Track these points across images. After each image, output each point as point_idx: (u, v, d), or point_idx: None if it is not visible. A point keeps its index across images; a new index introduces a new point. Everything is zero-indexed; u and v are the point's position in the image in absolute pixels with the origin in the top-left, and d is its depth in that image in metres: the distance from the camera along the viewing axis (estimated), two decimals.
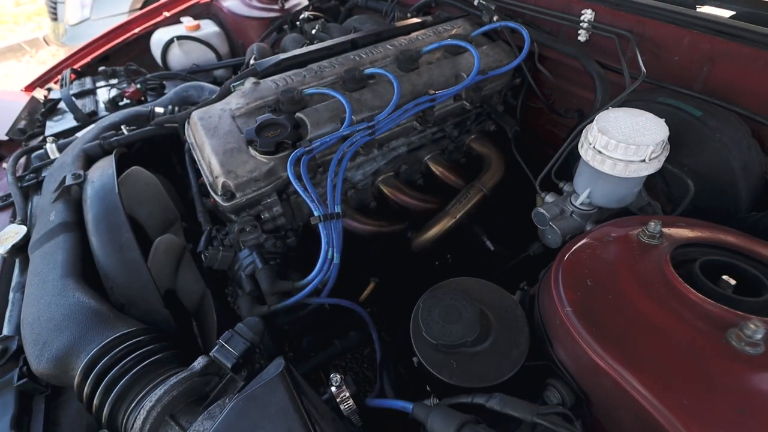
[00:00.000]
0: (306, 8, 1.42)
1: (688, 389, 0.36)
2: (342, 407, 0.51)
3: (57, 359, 0.54)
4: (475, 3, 1.04)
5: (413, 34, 0.97)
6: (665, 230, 0.50)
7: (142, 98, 1.19)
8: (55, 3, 2.92)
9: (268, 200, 0.74)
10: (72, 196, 0.77)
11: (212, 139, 0.72)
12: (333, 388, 0.51)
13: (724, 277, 0.43)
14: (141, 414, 0.46)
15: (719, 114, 0.66)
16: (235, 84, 0.85)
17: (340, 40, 0.94)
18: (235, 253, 0.71)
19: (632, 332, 0.41)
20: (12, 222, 0.80)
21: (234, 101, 0.79)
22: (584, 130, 0.65)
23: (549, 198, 0.73)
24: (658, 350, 0.38)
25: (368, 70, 0.79)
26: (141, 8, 2.82)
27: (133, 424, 0.46)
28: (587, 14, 0.86)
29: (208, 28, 1.43)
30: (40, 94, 1.36)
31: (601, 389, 0.40)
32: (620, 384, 0.38)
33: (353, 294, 0.81)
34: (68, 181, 0.77)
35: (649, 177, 0.64)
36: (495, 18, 0.95)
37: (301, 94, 0.76)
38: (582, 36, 0.88)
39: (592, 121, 0.64)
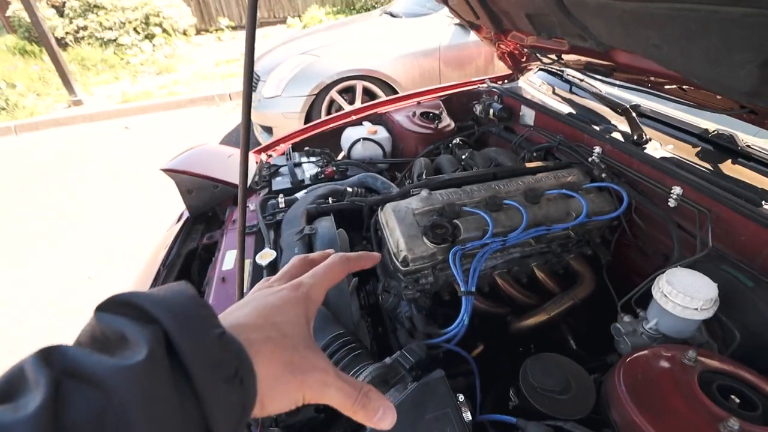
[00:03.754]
0: (454, 133, 1.93)
1: None
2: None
3: None
4: (590, 159, 1.40)
5: (538, 174, 1.36)
6: (702, 359, 0.77)
7: (335, 177, 1.73)
8: (258, 79, 3.99)
9: (425, 272, 1.13)
10: (306, 240, 1.26)
11: (401, 226, 1.15)
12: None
13: (732, 396, 0.69)
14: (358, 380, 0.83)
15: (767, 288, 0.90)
16: (413, 190, 1.30)
17: (485, 172, 1.37)
18: (399, 300, 1.11)
19: (661, 409, 0.69)
20: (266, 247, 1.30)
21: (414, 203, 1.23)
22: (658, 277, 0.94)
23: (626, 318, 1.01)
24: (675, 423, 0.66)
25: (506, 201, 1.19)
26: (317, 93, 3.72)
27: None
28: (677, 189, 1.16)
29: (382, 133, 1.98)
30: (264, 156, 2.01)
31: None
32: None
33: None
34: (306, 231, 1.26)
35: (710, 321, 0.90)
36: (603, 175, 1.30)
37: (460, 208, 1.17)
38: (671, 203, 1.18)
39: (664, 272, 0.93)
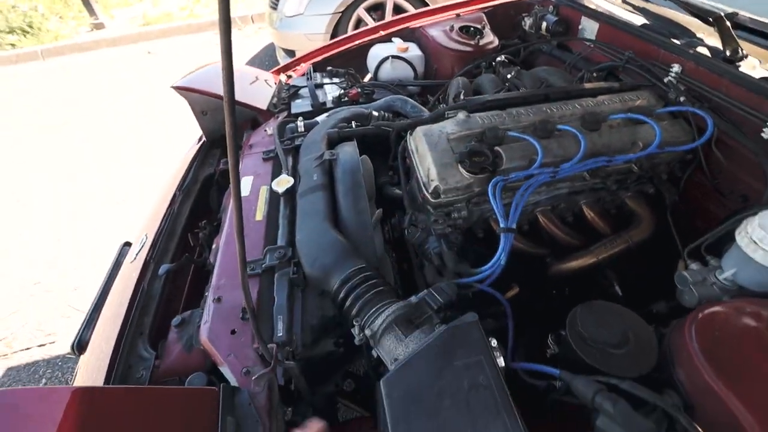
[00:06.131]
0: (498, 51, 1.67)
1: None
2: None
3: (323, 269, 0.87)
4: (665, 80, 1.16)
5: (600, 97, 1.14)
6: None
7: (359, 99, 1.56)
8: None
9: (459, 205, 1.00)
10: (326, 167, 1.14)
11: (433, 152, 1.00)
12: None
13: None
14: (380, 318, 0.75)
15: None
16: (449, 112, 1.13)
17: (535, 92, 1.16)
18: (427, 235, 0.99)
19: (742, 373, 0.57)
20: (283, 173, 1.19)
21: (449, 127, 1.06)
22: (745, 220, 0.77)
23: (694, 266, 0.86)
24: (758, 388, 0.54)
25: (560, 126, 1.00)
26: (343, 11, 3.37)
27: (372, 322, 0.76)
28: None
29: (414, 51, 1.75)
30: (283, 77, 1.84)
31: (710, 406, 0.57)
32: (726, 405, 0.54)
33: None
34: (326, 156, 1.13)
35: None
36: (682, 99, 1.08)
37: (504, 133, 1.00)
38: (766, 134, 0.96)
39: (755, 214, 0.76)
